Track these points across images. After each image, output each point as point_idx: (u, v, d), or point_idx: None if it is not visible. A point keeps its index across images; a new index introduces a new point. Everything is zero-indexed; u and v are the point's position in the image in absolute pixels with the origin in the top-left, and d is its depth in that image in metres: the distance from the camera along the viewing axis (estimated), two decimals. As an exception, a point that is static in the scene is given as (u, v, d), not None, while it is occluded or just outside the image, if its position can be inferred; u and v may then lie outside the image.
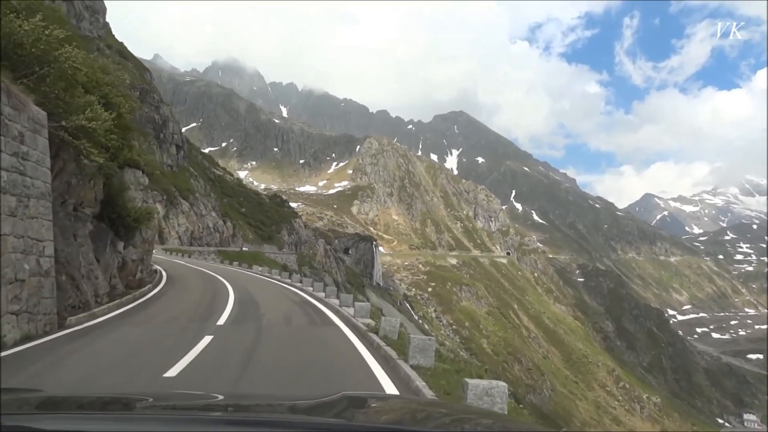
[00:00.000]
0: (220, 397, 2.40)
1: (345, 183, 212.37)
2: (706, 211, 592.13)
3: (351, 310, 15.90)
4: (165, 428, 1.45)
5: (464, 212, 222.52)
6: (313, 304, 18.69)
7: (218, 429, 1.50)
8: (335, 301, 18.75)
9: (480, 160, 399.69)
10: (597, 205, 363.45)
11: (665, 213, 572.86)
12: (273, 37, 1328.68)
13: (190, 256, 47.65)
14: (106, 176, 16.49)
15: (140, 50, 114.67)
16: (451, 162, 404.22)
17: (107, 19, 79.91)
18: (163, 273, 25.77)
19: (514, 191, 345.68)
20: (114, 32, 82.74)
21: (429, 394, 7.27)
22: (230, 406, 2.20)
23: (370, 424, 1.84)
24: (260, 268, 33.88)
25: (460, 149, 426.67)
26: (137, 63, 76.77)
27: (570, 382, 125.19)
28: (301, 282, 27.20)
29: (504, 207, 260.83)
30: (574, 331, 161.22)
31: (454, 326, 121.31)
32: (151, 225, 22.43)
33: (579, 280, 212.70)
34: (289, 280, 29.47)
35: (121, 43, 76.39)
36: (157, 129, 69.45)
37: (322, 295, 21.21)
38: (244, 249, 67.11)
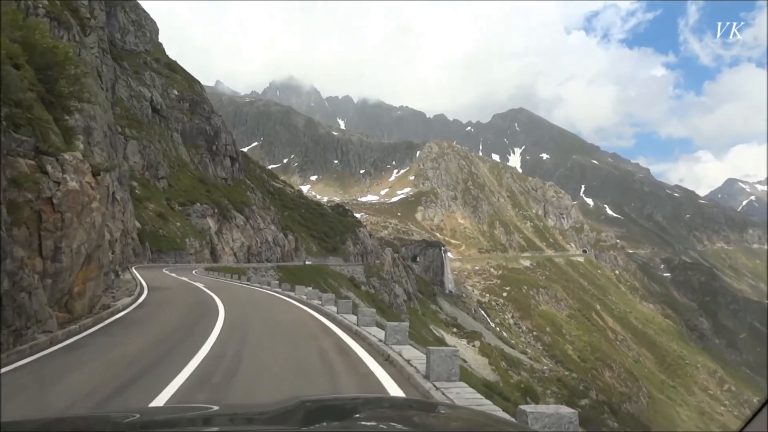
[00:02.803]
0: (216, 407, 2.35)
1: (407, 190, 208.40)
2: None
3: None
4: None
5: (533, 211, 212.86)
6: None
7: None
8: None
9: (544, 156, 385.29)
10: (676, 194, 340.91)
11: (752, 198, 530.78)
12: (328, 54, 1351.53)
13: (239, 278, 34.75)
14: None
15: (203, 78, 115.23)
16: (515, 161, 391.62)
17: (159, 40, 79.85)
18: (123, 312, 15.25)
19: (583, 186, 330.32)
20: (182, 62, 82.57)
21: None
22: (206, 418, 2.19)
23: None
24: (306, 290, 21.37)
25: (523, 147, 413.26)
26: (186, 75, 75.48)
27: (667, 387, 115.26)
28: (357, 324, 12.27)
29: (574, 203, 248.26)
30: (665, 331, 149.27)
31: (534, 332, 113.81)
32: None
33: (665, 275, 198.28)
34: (343, 317, 14.00)
35: (170, 59, 75.37)
36: (209, 140, 66.82)
37: (414, 370, 7.44)
38: (307, 262, 63.38)
